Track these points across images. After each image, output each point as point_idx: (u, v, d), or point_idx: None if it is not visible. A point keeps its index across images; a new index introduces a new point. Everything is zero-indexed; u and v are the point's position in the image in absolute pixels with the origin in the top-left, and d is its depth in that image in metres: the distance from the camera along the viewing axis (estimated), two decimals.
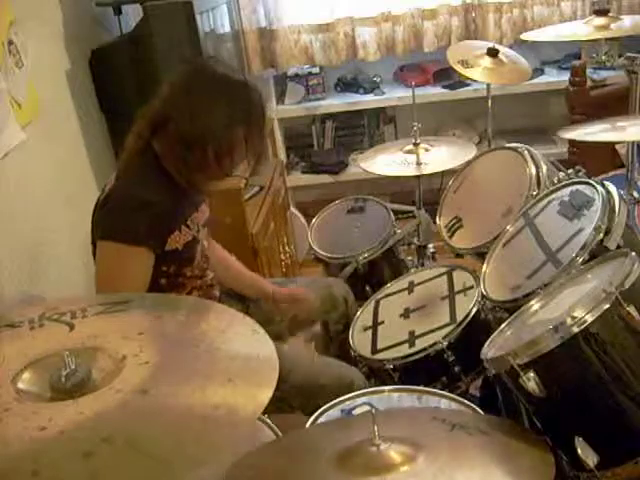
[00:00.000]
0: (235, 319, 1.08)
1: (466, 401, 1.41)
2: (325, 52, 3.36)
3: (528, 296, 1.47)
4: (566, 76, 3.06)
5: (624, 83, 2.35)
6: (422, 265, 2.41)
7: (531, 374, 1.15)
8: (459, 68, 2.49)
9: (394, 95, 3.46)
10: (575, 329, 1.13)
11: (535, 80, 3.32)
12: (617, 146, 2.87)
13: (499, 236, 1.80)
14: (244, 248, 2.31)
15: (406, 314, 1.85)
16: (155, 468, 0.78)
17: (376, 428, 1.07)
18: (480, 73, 2.49)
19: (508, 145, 2.17)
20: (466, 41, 3.19)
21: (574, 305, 1.20)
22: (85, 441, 0.80)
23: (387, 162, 2.35)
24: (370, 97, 3.49)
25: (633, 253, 1.24)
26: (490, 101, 2.70)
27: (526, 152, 2.00)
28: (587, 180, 1.65)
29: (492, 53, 2.51)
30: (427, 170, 2.26)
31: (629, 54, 2.08)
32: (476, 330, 1.66)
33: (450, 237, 2.09)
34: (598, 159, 2.81)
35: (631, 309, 1.13)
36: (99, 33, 2.43)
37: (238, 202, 2.41)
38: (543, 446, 1.15)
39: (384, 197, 2.90)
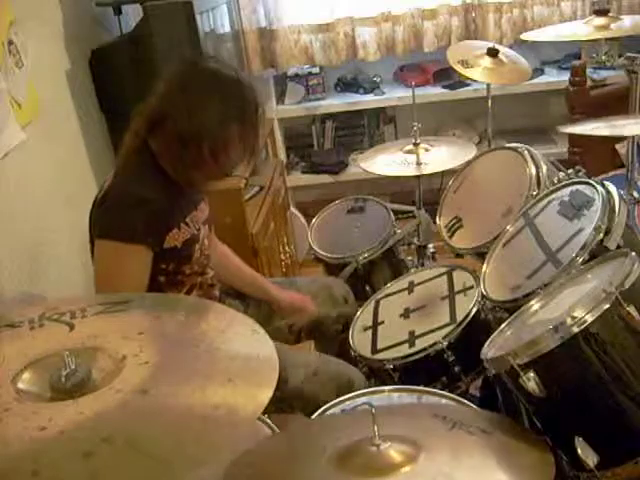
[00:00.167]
0: (235, 319, 1.08)
1: (466, 401, 1.41)
2: (325, 52, 3.36)
3: (528, 296, 1.47)
4: (566, 76, 3.05)
5: (624, 83, 2.35)
6: (422, 265, 2.41)
7: (531, 374, 1.15)
8: (459, 68, 2.49)
9: (394, 95, 3.46)
10: (575, 329, 1.13)
11: (535, 80, 3.32)
12: (617, 146, 2.87)
13: (499, 236, 1.80)
14: (244, 248, 2.31)
15: (406, 314, 1.85)
16: (155, 468, 0.78)
17: (376, 428, 1.07)
18: (480, 73, 2.49)
19: (508, 145, 2.17)
20: (466, 41, 3.19)
21: (574, 305, 1.20)
22: (85, 441, 0.80)
23: (387, 162, 2.35)
24: (370, 97, 3.49)
25: (633, 253, 1.24)
26: (490, 101, 2.70)
27: (526, 152, 2.00)
28: (587, 180, 1.65)
29: (492, 53, 2.51)
30: (427, 170, 2.25)
31: (629, 54, 2.08)
32: (476, 330, 1.66)
33: (450, 237, 2.09)
34: (598, 159, 2.81)
35: (631, 309, 1.13)
36: (99, 33, 2.43)
37: (238, 202, 2.41)
38: (543, 446, 1.15)
39: (384, 197, 2.90)
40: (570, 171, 1.75)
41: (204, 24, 2.37)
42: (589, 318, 1.13)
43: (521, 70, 2.58)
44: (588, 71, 3.01)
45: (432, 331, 1.71)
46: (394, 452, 1.06)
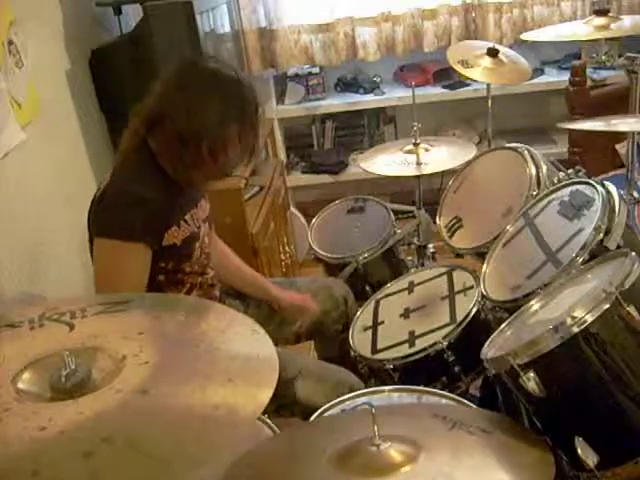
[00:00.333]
0: (235, 319, 1.08)
1: (466, 401, 1.41)
2: (325, 52, 3.36)
3: (528, 296, 1.47)
4: (566, 76, 3.05)
5: (624, 83, 2.35)
6: (422, 265, 2.41)
7: (531, 374, 1.15)
8: (459, 68, 2.49)
9: (394, 95, 3.46)
10: (575, 329, 1.13)
11: (535, 80, 3.33)
12: (617, 146, 2.87)
13: (499, 236, 1.80)
14: (244, 248, 2.31)
15: (406, 314, 1.85)
16: (155, 468, 0.78)
17: (376, 428, 1.07)
18: (480, 73, 2.49)
19: (508, 145, 2.16)
20: (466, 41, 3.19)
21: (574, 305, 1.20)
22: (85, 441, 0.80)
23: (387, 162, 2.35)
24: (370, 97, 3.49)
25: (633, 253, 1.24)
26: (490, 101, 2.70)
27: (526, 152, 2.00)
28: (587, 180, 1.65)
29: (492, 53, 2.51)
30: (427, 170, 2.25)
31: (629, 54, 2.08)
32: (476, 330, 1.66)
33: (450, 237, 2.09)
34: (598, 159, 2.81)
35: (631, 309, 1.13)
36: (99, 33, 2.43)
37: (238, 202, 2.42)
38: (543, 446, 1.15)
39: (384, 197, 2.90)
40: (570, 171, 1.75)
41: (204, 24, 2.37)
42: (589, 318, 1.13)
43: (521, 70, 2.58)
44: (588, 71, 3.01)
45: (432, 331, 1.71)
46: (394, 452, 1.06)
